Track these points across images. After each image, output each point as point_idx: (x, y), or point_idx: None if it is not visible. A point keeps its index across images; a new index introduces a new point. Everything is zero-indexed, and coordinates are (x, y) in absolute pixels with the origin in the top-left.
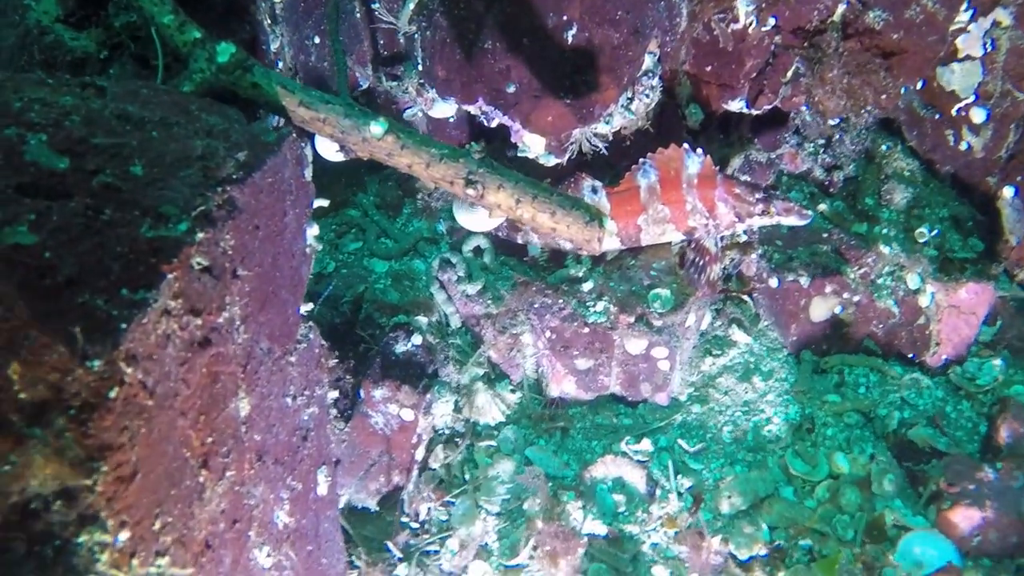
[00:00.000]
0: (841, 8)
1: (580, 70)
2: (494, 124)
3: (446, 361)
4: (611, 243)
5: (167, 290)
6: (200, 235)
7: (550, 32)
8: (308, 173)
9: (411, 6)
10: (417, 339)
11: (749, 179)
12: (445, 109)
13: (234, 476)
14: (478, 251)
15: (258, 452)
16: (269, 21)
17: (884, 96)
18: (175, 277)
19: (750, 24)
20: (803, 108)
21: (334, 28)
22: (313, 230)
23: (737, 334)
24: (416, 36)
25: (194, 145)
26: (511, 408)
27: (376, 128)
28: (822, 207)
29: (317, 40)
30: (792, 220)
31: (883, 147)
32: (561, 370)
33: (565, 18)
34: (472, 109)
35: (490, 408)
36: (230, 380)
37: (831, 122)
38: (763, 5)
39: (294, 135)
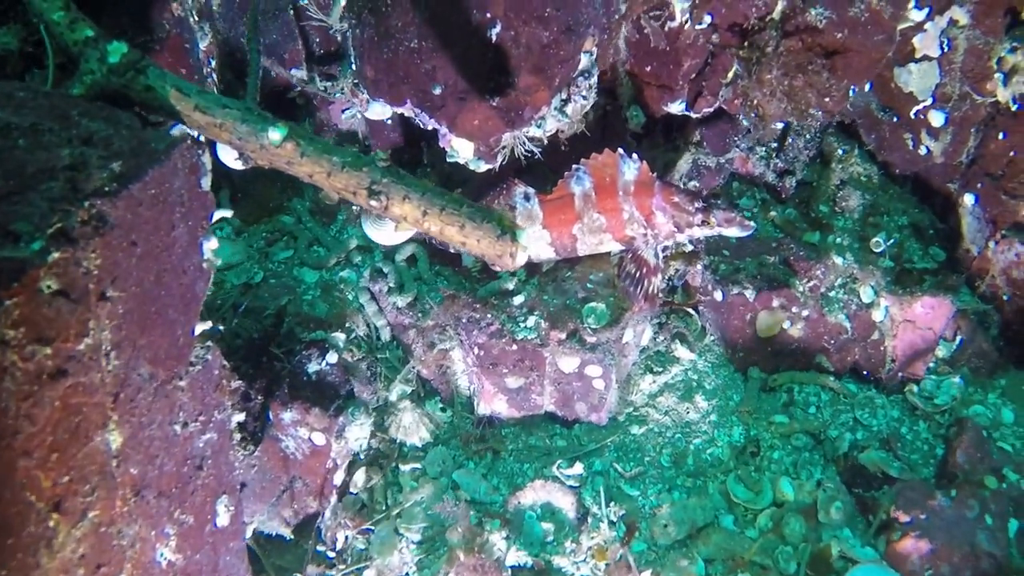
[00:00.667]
0: (780, 5)
1: (506, 71)
2: (429, 127)
3: (373, 378)
4: (546, 252)
5: (4, 319)
6: (55, 255)
7: (474, 30)
8: (205, 182)
9: (342, 2)
10: (332, 357)
11: (690, 186)
12: (381, 111)
13: (99, 516)
14: (412, 260)
15: (134, 487)
16: (196, 18)
17: (828, 99)
18: (15, 303)
19: (685, 22)
20: (741, 112)
21: (252, 26)
22: (211, 243)
23: (680, 350)
24: (348, 34)
25: (62, 155)
26: (440, 428)
27: (274, 134)
28: (772, 214)
29: None
30: (734, 231)
31: (839, 151)
32: (491, 388)
33: (488, 15)
34: (402, 111)
35: (417, 428)
36: (95, 411)
37: (774, 125)
38: (697, 1)
39: (188, 141)
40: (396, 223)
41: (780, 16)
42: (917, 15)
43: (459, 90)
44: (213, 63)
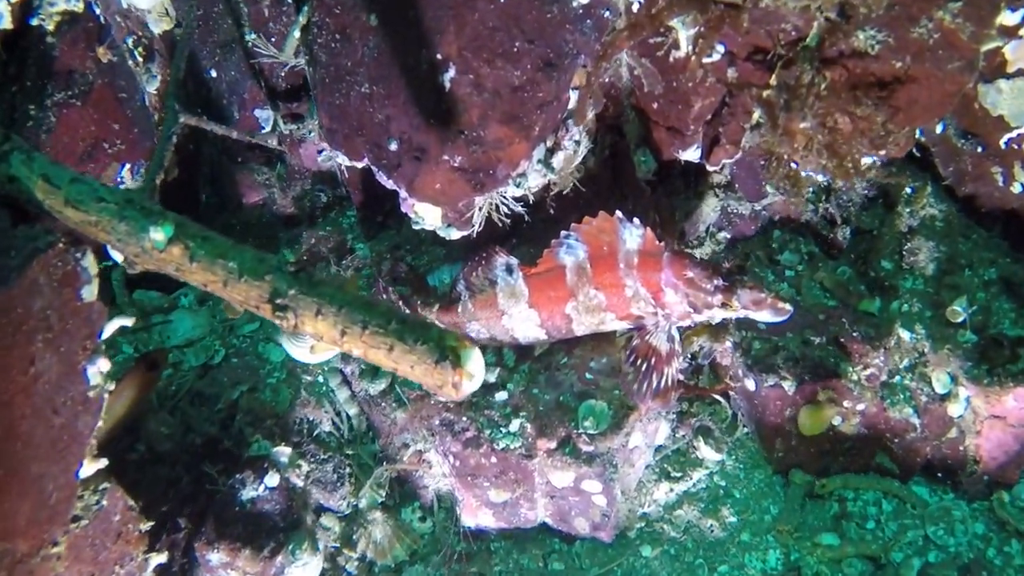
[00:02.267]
0: (816, 28)
1: (468, 123)
2: (389, 187)
3: (340, 482)
4: (535, 333)
5: None
6: None
7: (424, 76)
8: (88, 292)
9: (296, 34)
10: (272, 479)
11: (706, 258)
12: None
13: None
14: None
15: None
16: (140, 59)
17: (885, 149)
18: None
19: (692, 53)
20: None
21: (172, 81)
22: (99, 366)
23: (704, 449)
24: (308, 71)
25: None
26: (418, 543)
27: (156, 235)
28: (821, 274)
29: (215, 74)
30: (764, 315)
31: (906, 189)
32: (473, 501)
33: (439, 56)
34: (360, 166)
35: (391, 544)
36: None
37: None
38: (702, 29)
39: (60, 246)
40: (312, 344)
41: (816, 42)
42: (1010, 18)
43: (415, 147)
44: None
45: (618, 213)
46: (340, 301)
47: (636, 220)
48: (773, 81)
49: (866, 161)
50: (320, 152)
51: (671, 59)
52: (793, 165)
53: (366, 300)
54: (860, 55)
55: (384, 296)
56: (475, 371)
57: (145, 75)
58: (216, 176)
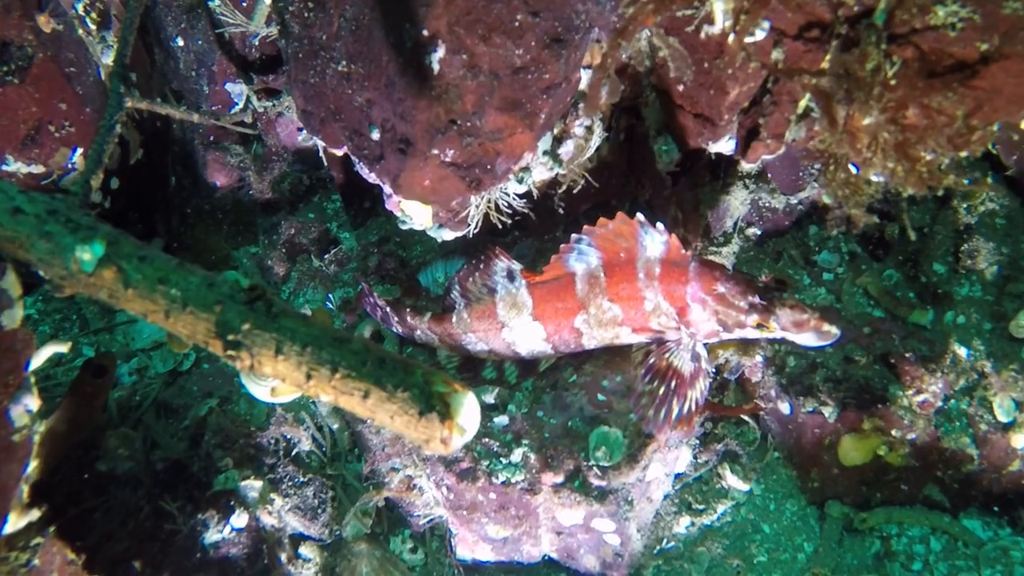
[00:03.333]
0: (884, 3)
1: (461, 111)
2: (371, 181)
3: (322, 507)
4: (540, 347)
5: None
6: None
7: (410, 54)
8: (10, 318)
9: (267, 1)
10: (240, 519)
11: (741, 271)
12: None
13: None
14: (377, 339)
15: None
16: (92, 27)
17: (967, 147)
18: None
19: (729, 30)
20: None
21: (121, 48)
22: (26, 403)
23: (730, 477)
24: (281, 43)
25: None
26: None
27: (84, 255)
28: (866, 279)
29: (181, 42)
30: (806, 339)
31: (964, 180)
32: (469, 536)
33: (425, 32)
34: (340, 154)
35: None
36: None
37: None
38: (745, 2)
39: None
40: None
41: (884, 18)
42: None
43: (399, 137)
44: (134, 77)
45: (639, 216)
46: (306, 337)
47: (660, 225)
48: (826, 65)
49: (939, 174)
50: (300, 130)
51: (703, 36)
52: (852, 168)
53: (337, 335)
54: (937, 34)
55: (369, 301)
56: (468, 423)
57: (100, 45)
58: (186, 156)
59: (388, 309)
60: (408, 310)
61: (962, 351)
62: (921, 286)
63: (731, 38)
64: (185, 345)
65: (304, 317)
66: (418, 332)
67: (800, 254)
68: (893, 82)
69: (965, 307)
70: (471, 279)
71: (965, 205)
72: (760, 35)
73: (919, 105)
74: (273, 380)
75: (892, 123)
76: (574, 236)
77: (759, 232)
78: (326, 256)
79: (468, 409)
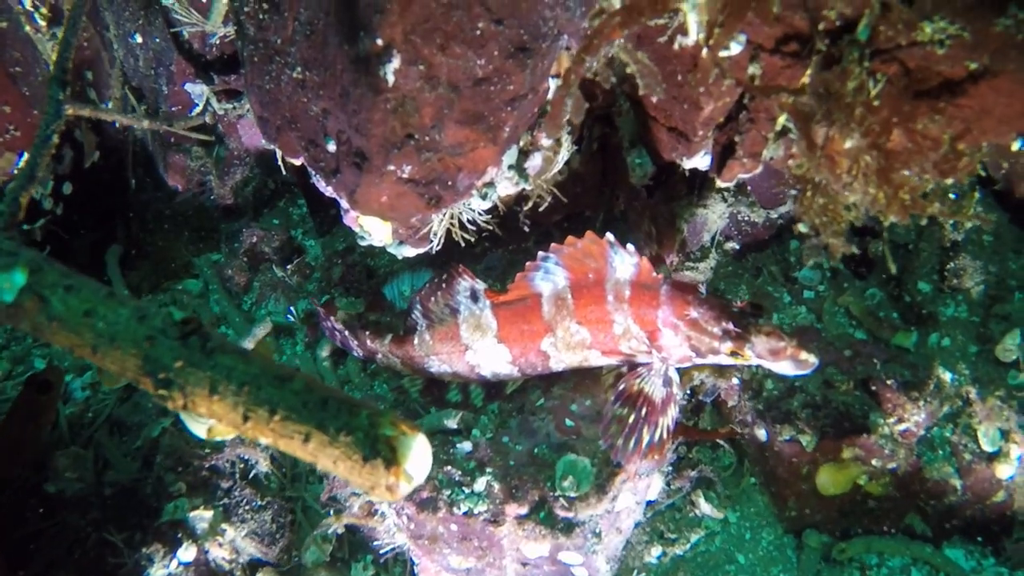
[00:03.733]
0: (870, 14)
1: (419, 124)
2: (327, 195)
3: (280, 533)
4: (506, 370)
5: None
6: None
7: (363, 65)
8: None
9: (224, 1)
10: (188, 552)
11: (715, 295)
12: None
13: None
14: (342, 355)
15: None
16: (43, 23)
17: (953, 174)
18: None
19: (705, 44)
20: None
21: (62, 50)
22: None
23: (704, 505)
24: (237, 44)
25: None
26: None
27: (3, 284)
28: (847, 299)
29: (139, 39)
30: (783, 368)
31: (950, 195)
32: (431, 566)
33: (379, 42)
34: (298, 164)
35: None
36: None
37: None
38: (720, 17)
39: None
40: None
41: (867, 34)
42: None
43: (355, 150)
44: (89, 76)
45: (608, 235)
46: (243, 375)
47: (630, 246)
48: (806, 80)
49: (924, 201)
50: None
51: (676, 47)
52: (832, 194)
53: (278, 373)
54: (924, 51)
55: (326, 325)
56: (416, 469)
57: (50, 43)
58: (147, 159)
59: (346, 334)
60: (368, 333)
61: (946, 376)
62: (905, 306)
63: (705, 52)
64: (115, 381)
65: (243, 353)
66: (379, 356)
67: (780, 270)
68: (876, 102)
69: (950, 328)
70: (433, 299)
71: (951, 222)
72: (736, 49)
73: (904, 128)
74: (209, 420)
75: (874, 147)
76: (540, 254)
77: (737, 247)
78: (289, 266)
79: (417, 453)
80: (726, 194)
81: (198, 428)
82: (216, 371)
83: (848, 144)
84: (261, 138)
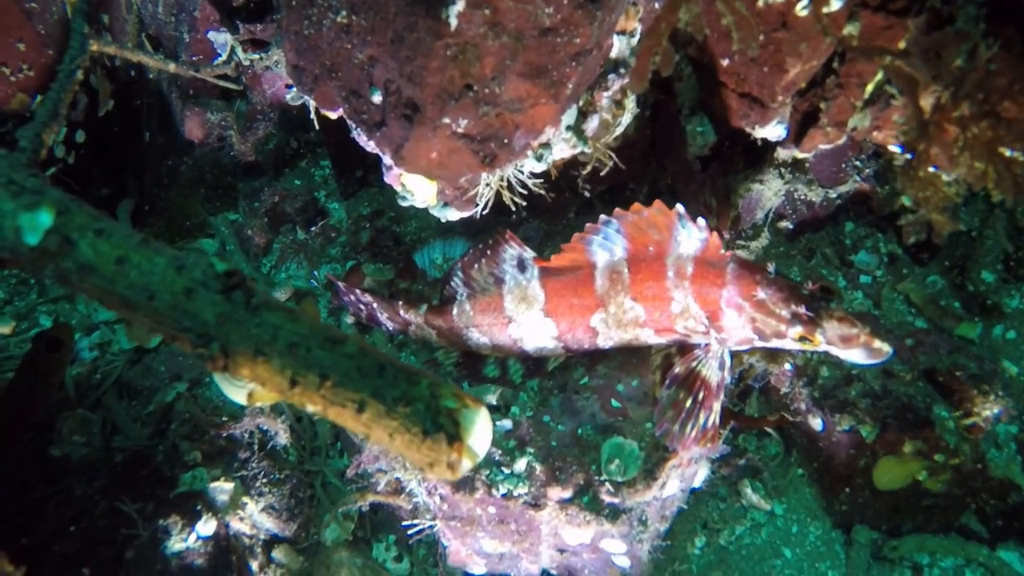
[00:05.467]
0: None
1: (479, 75)
2: (370, 150)
3: (299, 508)
4: (550, 345)
5: None
6: None
7: (425, 6)
8: None
9: None
10: (208, 526)
11: (784, 276)
12: None
13: None
14: (361, 328)
15: None
16: None
17: None
18: None
19: (798, 0)
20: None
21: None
22: None
23: (750, 495)
24: None
25: None
26: None
27: (29, 225)
28: (908, 285)
29: None
30: (853, 356)
31: None
32: (462, 549)
33: None
34: (335, 116)
35: None
36: None
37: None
38: None
39: None
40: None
41: None
42: None
43: (404, 101)
44: (106, 20)
45: (679, 207)
46: (291, 335)
47: (701, 220)
48: (903, 45)
49: None
50: (289, 87)
51: (760, 4)
52: (932, 169)
53: (329, 334)
54: None
55: (349, 300)
56: (479, 445)
57: None
58: (163, 110)
59: (375, 305)
60: (400, 303)
61: (1013, 370)
62: (968, 295)
63: (802, 7)
64: (146, 337)
65: (290, 311)
66: (412, 327)
67: (835, 253)
68: (991, 67)
69: (1016, 321)
70: (476, 266)
71: (1020, 208)
72: (837, 5)
73: (1019, 96)
74: (251, 384)
75: (987, 115)
76: (603, 218)
77: (791, 226)
78: (312, 228)
79: (480, 429)
80: (784, 170)
81: (236, 393)
82: (262, 330)
83: (958, 112)
84: (285, 94)
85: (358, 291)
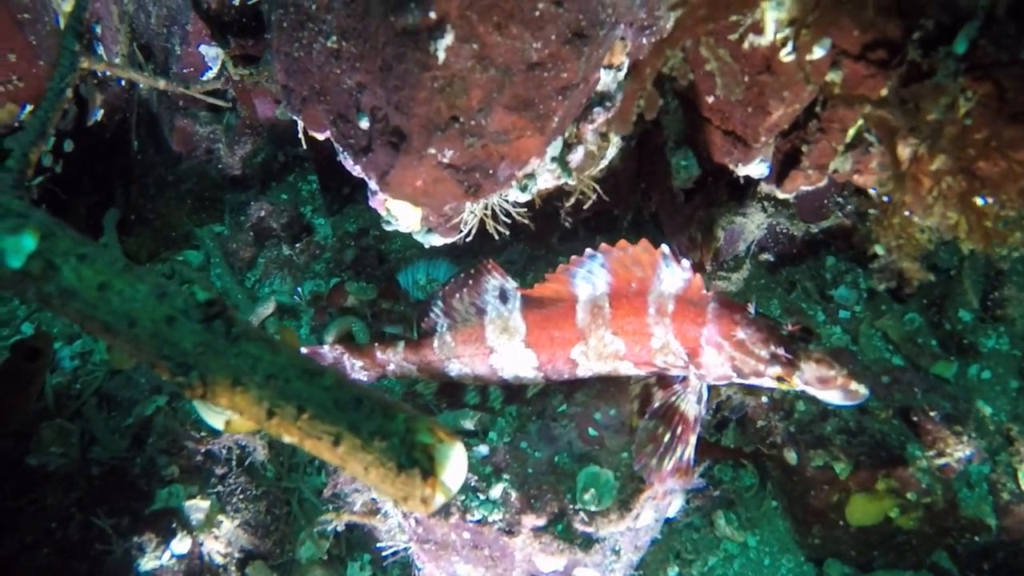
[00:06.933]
0: (970, 27)
1: (465, 107)
2: (355, 174)
3: (274, 525)
4: (530, 375)
5: None
6: None
7: (412, 38)
8: None
9: None
10: (182, 544)
11: (765, 316)
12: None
13: None
14: (348, 339)
15: None
16: None
17: None
18: None
19: (782, 44)
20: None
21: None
22: None
23: (723, 527)
24: (263, 7)
25: None
26: None
27: (12, 248)
28: (886, 322)
29: None
30: (830, 396)
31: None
32: (435, 573)
33: (433, 16)
34: (322, 138)
35: None
36: None
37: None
38: (809, 18)
39: None
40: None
41: (965, 47)
42: None
43: (391, 129)
44: (98, 30)
45: (664, 247)
46: (270, 366)
47: (685, 262)
48: (884, 93)
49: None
50: (279, 103)
51: (746, 47)
52: (907, 214)
53: (308, 367)
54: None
55: (324, 359)
56: (453, 480)
57: None
58: (152, 122)
59: (346, 357)
60: (376, 345)
61: (987, 410)
62: (944, 334)
63: (786, 54)
64: (126, 362)
65: (270, 342)
66: (392, 367)
67: (815, 287)
68: (968, 122)
69: (991, 361)
70: (458, 296)
71: (1000, 251)
72: (819, 53)
73: (1001, 153)
74: (229, 412)
75: (963, 170)
76: (588, 251)
77: (772, 259)
78: (298, 244)
79: (454, 464)
80: (766, 204)
81: (215, 419)
82: (241, 360)
83: (934, 166)
84: (274, 110)
85: (325, 348)
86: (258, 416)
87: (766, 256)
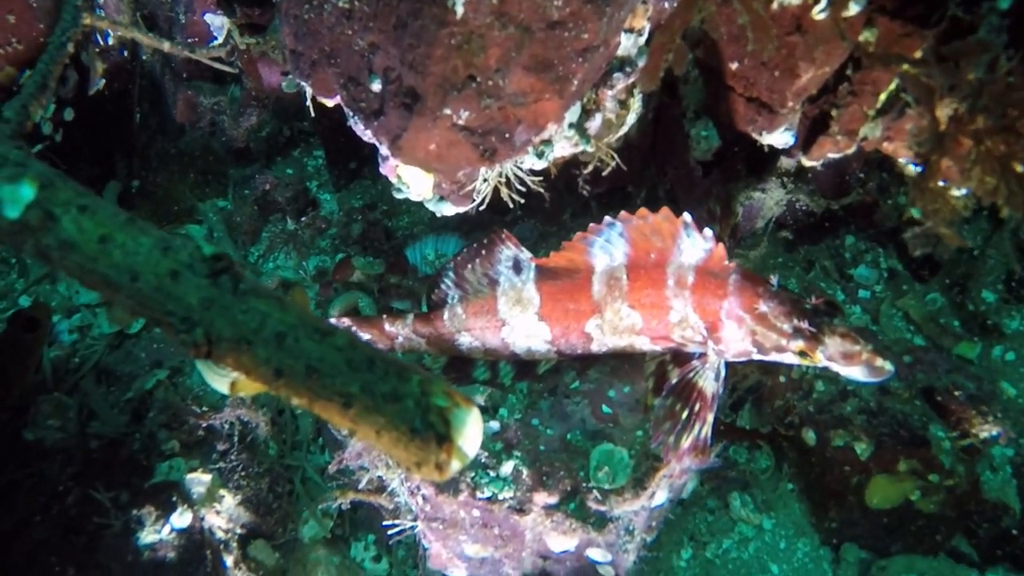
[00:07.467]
0: None
1: (483, 66)
2: (366, 139)
3: (276, 503)
4: (542, 348)
5: None
6: None
7: None
8: None
9: None
10: (182, 518)
11: (787, 289)
12: None
13: None
14: (354, 314)
15: None
16: None
17: None
18: None
19: (815, 2)
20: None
21: None
22: None
23: (738, 509)
24: None
25: None
26: None
27: (9, 197)
28: (908, 301)
29: None
30: (854, 373)
31: None
32: (443, 552)
33: None
34: (332, 104)
35: None
36: None
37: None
38: None
39: None
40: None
41: (1009, 2)
42: None
43: (405, 90)
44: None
45: (685, 216)
46: (279, 324)
47: (707, 231)
48: (920, 52)
49: None
50: (285, 74)
51: (775, 6)
52: (940, 183)
53: (319, 325)
54: None
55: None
56: (469, 446)
57: None
58: (155, 92)
59: (353, 330)
60: (384, 317)
61: (1010, 392)
62: (968, 314)
63: (819, 11)
64: (126, 320)
65: (279, 299)
66: (400, 340)
67: (834, 266)
68: (1010, 79)
69: (1015, 342)
70: (470, 267)
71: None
72: (855, 9)
73: None
74: (234, 373)
75: (1004, 130)
76: (607, 219)
77: (791, 236)
78: (303, 219)
79: (471, 429)
80: (786, 179)
81: (219, 382)
82: (248, 317)
83: (976, 125)
84: (281, 81)
85: (331, 320)
86: (266, 376)
87: (785, 233)
